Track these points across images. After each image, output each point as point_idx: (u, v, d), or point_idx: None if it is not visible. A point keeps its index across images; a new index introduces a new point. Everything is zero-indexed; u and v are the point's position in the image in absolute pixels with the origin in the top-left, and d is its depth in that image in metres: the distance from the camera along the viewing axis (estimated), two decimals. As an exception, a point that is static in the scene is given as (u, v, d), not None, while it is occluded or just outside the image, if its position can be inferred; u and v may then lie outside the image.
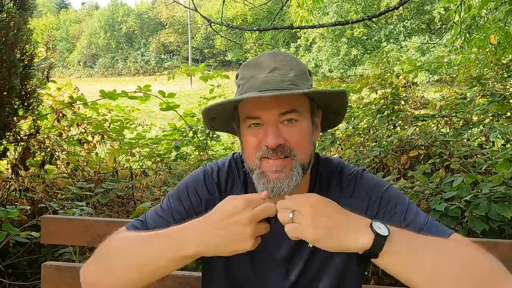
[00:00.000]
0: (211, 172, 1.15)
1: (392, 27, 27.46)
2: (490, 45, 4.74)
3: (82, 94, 4.22)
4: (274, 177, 0.98)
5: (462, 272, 0.84)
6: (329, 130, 4.03)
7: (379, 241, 0.82)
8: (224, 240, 0.85)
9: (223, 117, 1.09)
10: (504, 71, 4.21)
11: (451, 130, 3.80)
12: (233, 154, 1.19)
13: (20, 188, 3.18)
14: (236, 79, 1.08)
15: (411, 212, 1.03)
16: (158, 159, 4.16)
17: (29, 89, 2.95)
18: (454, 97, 4.06)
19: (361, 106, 4.31)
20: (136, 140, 4.08)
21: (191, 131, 4.22)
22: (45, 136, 3.54)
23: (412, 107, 4.28)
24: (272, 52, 1.05)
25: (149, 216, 1.11)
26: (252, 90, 0.98)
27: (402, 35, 26.74)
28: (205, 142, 4.21)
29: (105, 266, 0.97)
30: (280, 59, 1.02)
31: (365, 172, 1.13)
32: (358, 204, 1.06)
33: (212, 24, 3.66)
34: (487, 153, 2.87)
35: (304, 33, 28.94)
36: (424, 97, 4.75)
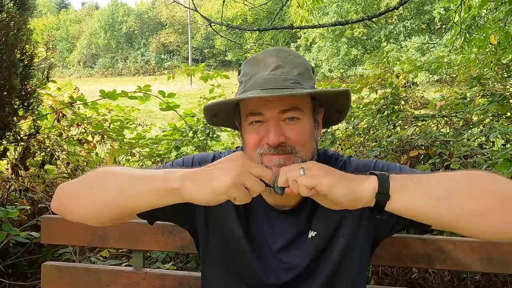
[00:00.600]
0: (219, 156, 1.15)
1: (392, 27, 27.48)
2: (490, 45, 4.74)
3: (82, 94, 4.22)
4: (277, 170, 0.95)
5: (474, 184, 0.84)
6: (329, 130, 4.04)
7: (383, 178, 0.85)
8: (206, 178, 0.84)
9: (224, 113, 1.10)
10: (504, 71, 4.20)
11: (451, 130, 3.80)
12: (237, 147, 1.20)
13: (20, 188, 3.18)
14: (239, 75, 1.07)
15: (405, 170, 1.05)
16: (158, 159, 4.16)
17: (29, 89, 2.95)
18: (454, 97, 4.06)
19: (361, 106, 4.31)
20: (136, 140, 4.08)
21: (191, 131, 4.22)
22: (45, 136, 3.53)
23: (412, 107, 4.28)
24: (277, 49, 1.04)
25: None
26: (255, 88, 0.97)
27: (402, 35, 26.76)
28: (205, 142, 4.21)
29: (82, 186, 0.95)
30: (284, 56, 1.01)
31: (352, 158, 1.15)
32: None
33: (212, 24, 3.66)
34: (487, 153, 2.87)
35: (304, 33, 28.95)
36: (424, 97, 4.75)
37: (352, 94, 4.42)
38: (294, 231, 1.06)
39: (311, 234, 1.06)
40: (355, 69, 27.01)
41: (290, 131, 0.98)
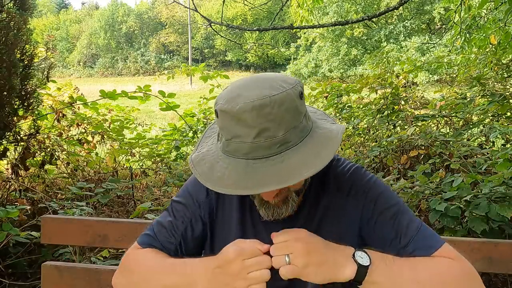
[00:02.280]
0: None
1: (392, 27, 27.47)
2: (490, 45, 4.74)
3: (82, 94, 4.22)
4: (273, 204, 1.00)
5: None
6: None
7: (361, 271, 0.90)
8: (223, 287, 0.91)
9: None
10: (504, 71, 4.21)
11: (451, 130, 3.80)
12: None
13: (20, 188, 3.18)
14: (217, 117, 0.92)
15: (404, 218, 1.03)
16: (158, 159, 4.16)
17: (29, 89, 2.95)
18: (454, 97, 4.06)
19: (361, 106, 4.32)
20: (136, 140, 4.08)
21: (191, 131, 4.23)
22: (45, 136, 3.54)
23: (412, 107, 4.29)
24: (256, 104, 0.85)
25: (156, 229, 1.13)
26: (238, 155, 0.89)
27: (402, 35, 26.74)
28: (205, 142, 4.20)
29: (130, 285, 1.08)
30: (267, 113, 0.85)
31: (361, 169, 1.13)
32: (354, 202, 1.06)
33: (212, 24, 3.66)
34: (487, 153, 2.87)
35: (304, 33, 28.94)
36: (424, 97, 4.76)
37: (352, 94, 4.45)
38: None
39: None
40: (355, 69, 27.01)
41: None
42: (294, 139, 0.89)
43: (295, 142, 0.89)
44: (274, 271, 0.90)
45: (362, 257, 0.91)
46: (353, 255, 0.92)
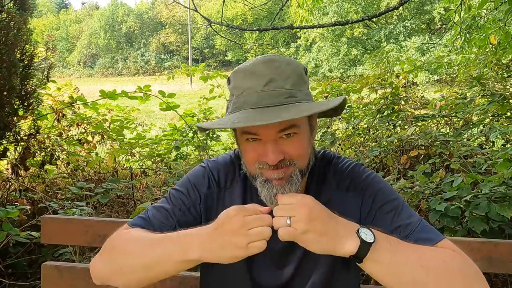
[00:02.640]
0: (211, 167, 1.16)
1: (392, 27, 27.47)
2: (490, 45, 4.74)
3: (82, 94, 4.22)
4: (277, 183, 0.99)
5: (446, 277, 0.90)
6: (329, 130, 4.03)
7: (364, 247, 0.88)
8: (220, 248, 0.89)
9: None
10: (504, 71, 4.21)
11: (451, 130, 3.80)
12: (235, 150, 1.19)
13: (20, 188, 3.18)
14: (228, 84, 1.03)
15: (404, 213, 1.04)
16: (158, 159, 4.16)
17: (29, 89, 2.95)
18: (454, 97, 4.06)
19: (361, 106, 4.31)
20: (136, 140, 4.08)
21: (191, 131, 4.23)
22: (45, 136, 3.54)
23: (412, 107, 4.28)
24: (267, 59, 0.98)
25: (151, 213, 1.12)
26: (247, 107, 0.95)
27: (402, 35, 26.74)
28: (205, 142, 4.21)
29: (113, 265, 1.02)
30: (276, 66, 0.96)
31: (362, 166, 1.14)
32: (353, 198, 1.08)
33: (212, 24, 3.65)
34: (487, 153, 2.87)
35: (304, 33, 28.94)
36: (424, 97, 4.75)
37: (352, 94, 4.45)
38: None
39: None
40: (355, 69, 27.01)
41: (288, 146, 0.98)
42: (301, 97, 0.97)
43: (302, 99, 0.96)
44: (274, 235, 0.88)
45: (367, 234, 0.89)
46: (357, 230, 0.90)
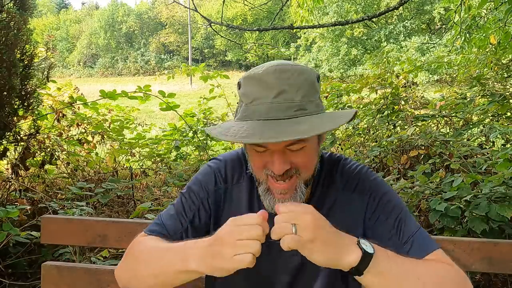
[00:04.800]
0: (218, 165, 1.17)
1: (392, 27, 27.46)
2: (490, 45, 4.74)
3: (82, 94, 4.22)
4: (279, 197, 0.99)
5: None
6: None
7: (366, 258, 0.87)
8: (211, 258, 0.88)
9: None
10: (504, 71, 4.21)
11: (451, 130, 3.80)
12: (242, 148, 1.19)
13: (20, 188, 3.18)
14: (239, 88, 1.01)
15: (405, 218, 1.05)
16: (158, 159, 4.16)
17: (29, 89, 2.94)
18: (454, 97, 4.06)
19: (361, 106, 4.31)
20: (136, 140, 4.08)
21: (191, 131, 4.22)
22: (45, 136, 3.53)
23: (412, 107, 4.28)
24: (279, 68, 0.94)
25: (164, 217, 1.14)
26: (256, 117, 0.93)
27: (402, 35, 26.74)
28: (205, 142, 4.21)
29: (131, 271, 1.07)
30: (287, 77, 0.93)
31: (368, 168, 1.15)
32: (358, 199, 1.08)
33: (212, 24, 3.66)
34: (487, 153, 2.87)
35: (304, 33, 28.94)
36: (424, 97, 4.75)
37: (352, 94, 4.44)
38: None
39: None
40: (355, 69, 27.01)
41: (296, 157, 0.98)
42: (311, 109, 0.95)
43: (312, 111, 0.94)
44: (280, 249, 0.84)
45: (367, 245, 0.89)
46: (358, 242, 0.89)
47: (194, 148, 4.26)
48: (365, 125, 4.08)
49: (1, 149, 3.00)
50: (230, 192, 1.14)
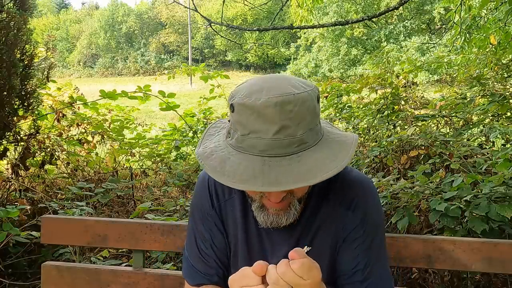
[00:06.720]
0: (209, 183, 1.15)
1: (392, 27, 27.47)
2: (490, 45, 4.74)
3: (82, 94, 4.22)
4: (274, 213, 0.98)
5: None
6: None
7: None
8: None
9: None
10: (504, 71, 4.20)
11: (451, 130, 3.79)
12: None
13: (20, 188, 3.18)
14: (232, 111, 0.90)
15: (374, 249, 1.06)
16: (158, 159, 4.16)
17: (29, 89, 2.94)
18: (454, 97, 4.05)
19: (361, 106, 4.31)
20: (136, 140, 4.08)
21: (191, 131, 4.23)
22: (45, 136, 3.53)
23: (412, 107, 4.28)
24: (280, 100, 0.84)
25: (192, 260, 1.15)
26: (253, 152, 0.87)
27: (402, 35, 26.75)
28: (205, 142, 4.20)
29: None
30: (289, 110, 0.84)
31: (370, 183, 1.11)
32: (353, 218, 1.06)
33: (212, 24, 3.65)
34: (487, 153, 2.87)
35: (304, 33, 28.95)
36: (424, 97, 4.74)
37: (352, 94, 4.44)
38: (290, 245, 1.06)
39: (306, 249, 1.08)
40: (355, 69, 27.01)
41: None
42: (310, 141, 0.89)
43: (311, 143, 0.89)
44: None
45: None
46: None
47: (194, 148, 4.26)
48: (365, 125, 4.08)
49: (1, 149, 3.00)
50: (225, 208, 1.12)
